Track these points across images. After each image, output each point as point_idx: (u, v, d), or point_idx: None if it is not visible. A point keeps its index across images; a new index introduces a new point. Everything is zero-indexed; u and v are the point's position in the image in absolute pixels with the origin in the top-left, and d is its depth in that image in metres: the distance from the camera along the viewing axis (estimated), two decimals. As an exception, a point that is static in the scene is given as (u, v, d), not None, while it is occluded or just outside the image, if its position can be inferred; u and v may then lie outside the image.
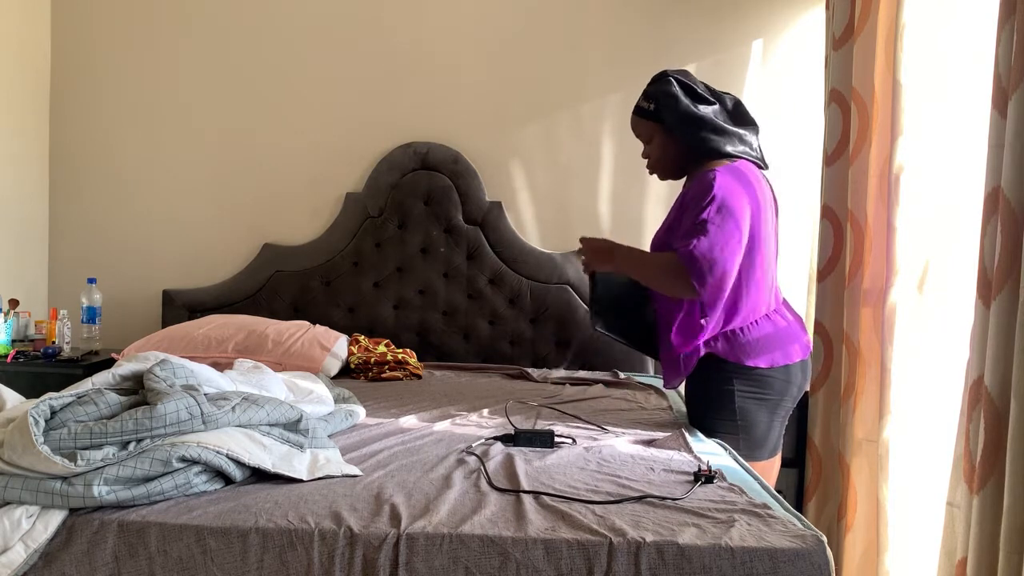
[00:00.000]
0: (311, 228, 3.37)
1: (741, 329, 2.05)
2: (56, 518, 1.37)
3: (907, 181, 2.29)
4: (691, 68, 3.23)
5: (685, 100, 2.07)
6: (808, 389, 2.26)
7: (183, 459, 1.44)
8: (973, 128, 2.09)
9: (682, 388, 2.34)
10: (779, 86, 3.21)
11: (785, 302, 2.20)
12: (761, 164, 2.15)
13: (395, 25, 3.33)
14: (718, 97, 2.13)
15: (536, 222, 3.34)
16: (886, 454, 2.30)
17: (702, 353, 2.08)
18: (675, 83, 2.09)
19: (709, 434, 2.07)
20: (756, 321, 2.07)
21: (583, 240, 2.20)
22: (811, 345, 2.17)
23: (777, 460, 2.19)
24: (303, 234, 3.37)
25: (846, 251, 2.52)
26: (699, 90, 2.10)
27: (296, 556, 1.32)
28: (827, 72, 2.82)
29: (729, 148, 2.07)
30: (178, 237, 3.41)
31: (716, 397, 2.09)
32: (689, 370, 2.11)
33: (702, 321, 2.03)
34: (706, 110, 2.07)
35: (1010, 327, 1.66)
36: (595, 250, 2.17)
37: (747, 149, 2.11)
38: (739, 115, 2.13)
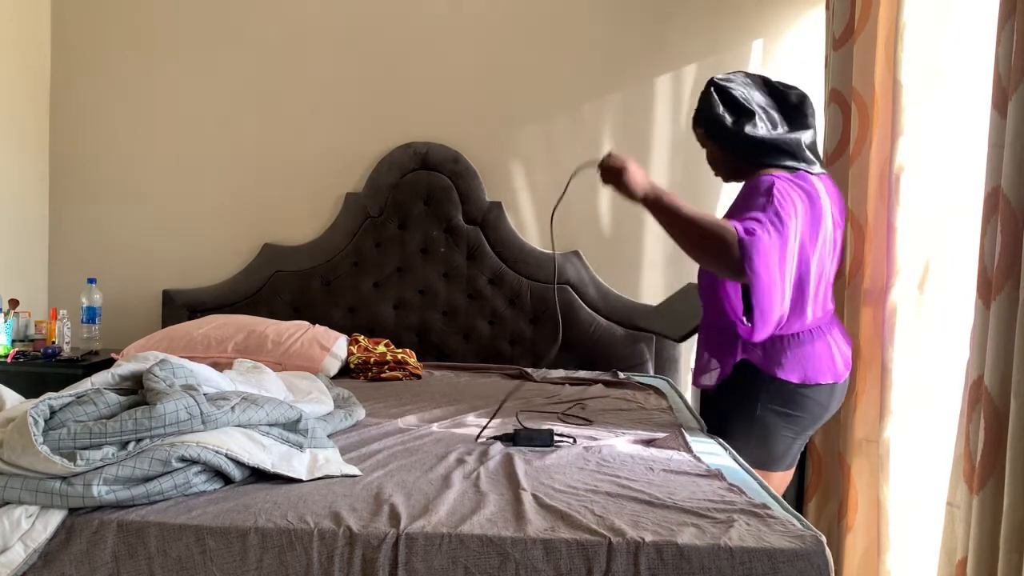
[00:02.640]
0: (311, 228, 3.37)
1: (780, 339, 2.00)
2: (55, 518, 1.37)
3: (907, 181, 2.28)
4: (691, 68, 3.24)
5: (721, 112, 1.99)
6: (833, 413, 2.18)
7: (182, 459, 1.44)
8: (973, 128, 2.09)
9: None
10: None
11: (835, 320, 2.13)
12: (811, 170, 2.01)
13: (395, 25, 3.33)
14: (778, 95, 2.04)
15: (536, 222, 3.34)
16: (886, 454, 2.29)
17: (738, 358, 2.03)
18: (715, 93, 2.01)
19: (722, 436, 2.06)
20: (797, 335, 2.01)
21: (609, 157, 1.93)
22: (847, 372, 2.08)
23: (788, 475, 2.16)
24: (303, 234, 3.37)
25: (847, 251, 2.52)
26: (739, 97, 1.99)
27: (295, 556, 1.32)
28: (827, 72, 2.82)
29: (768, 160, 1.98)
30: (178, 237, 3.41)
31: (740, 404, 2.05)
32: (727, 374, 2.06)
33: (746, 324, 1.94)
34: (745, 122, 1.98)
35: (1010, 327, 1.66)
36: (620, 171, 1.87)
37: (793, 162, 1.99)
38: (794, 115, 2.03)
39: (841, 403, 2.16)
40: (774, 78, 2.10)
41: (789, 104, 2.04)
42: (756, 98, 2.01)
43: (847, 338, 2.14)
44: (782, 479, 2.15)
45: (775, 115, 2.03)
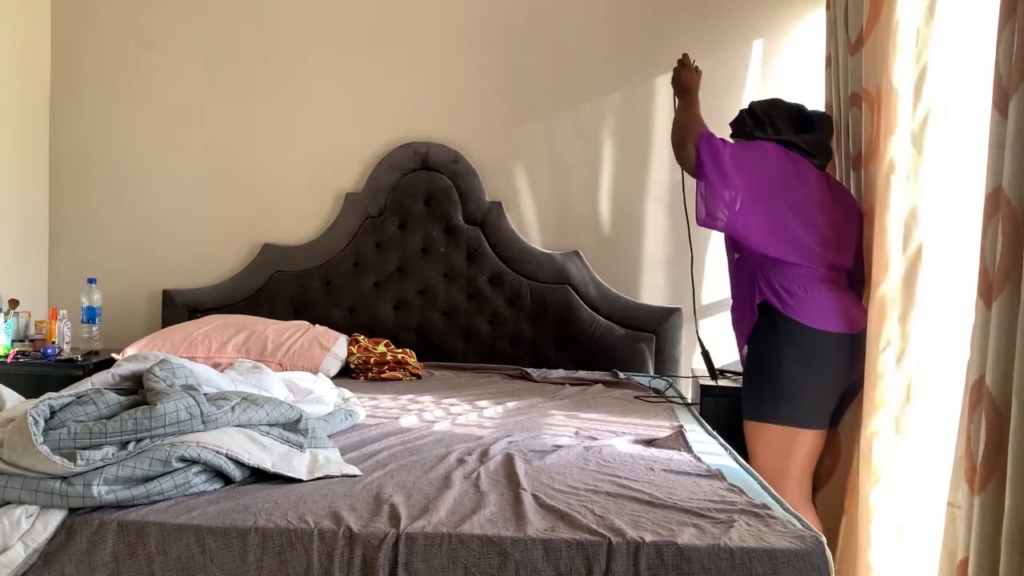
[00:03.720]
0: (311, 228, 3.37)
1: (791, 286, 2.29)
2: (55, 518, 1.37)
3: (897, 180, 2.28)
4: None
5: (744, 121, 2.50)
6: (859, 371, 2.36)
7: (183, 459, 1.44)
8: (972, 128, 2.09)
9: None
10: (779, 87, 3.21)
11: (849, 287, 2.39)
12: (815, 162, 2.44)
13: (395, 25, 3.33)
14: (800, 119, 2.47)
15: (536, 222, 3.34)
16: (869, 450, 2.29)
17: (758, 300, 2.34)
18: (745, 110, 2.52)
19: (754, 397, 2.33)
20: (805, 286, 2.29)
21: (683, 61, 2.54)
22: (860, 327, 2.30)
23: (814, 436, 2.31)
24: (303, 234, 3.37)
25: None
26: (758, 112, 2.47)
27: (295, 556, 1.32)
28: (829, 73, 2.81)
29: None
30: (178, 237, 3.41)
31: (766, 359, 2.32)
32: (753, 317, 2.36)
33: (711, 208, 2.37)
34: (756, 128, 2.47)
35: (1011, 327, 1.65)
36: (681, 78, 2.52)
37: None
38: (804, 127, 2.47)
39: (862, 363, 2.31)
40: (809, 108, 2.55)
41: (809, 123, 2.48)
42: (773, 115, 2.47)
43: (860, 307, 2.37)
44: (812, 440, 2.31)
45: (784, 127, 2.46)
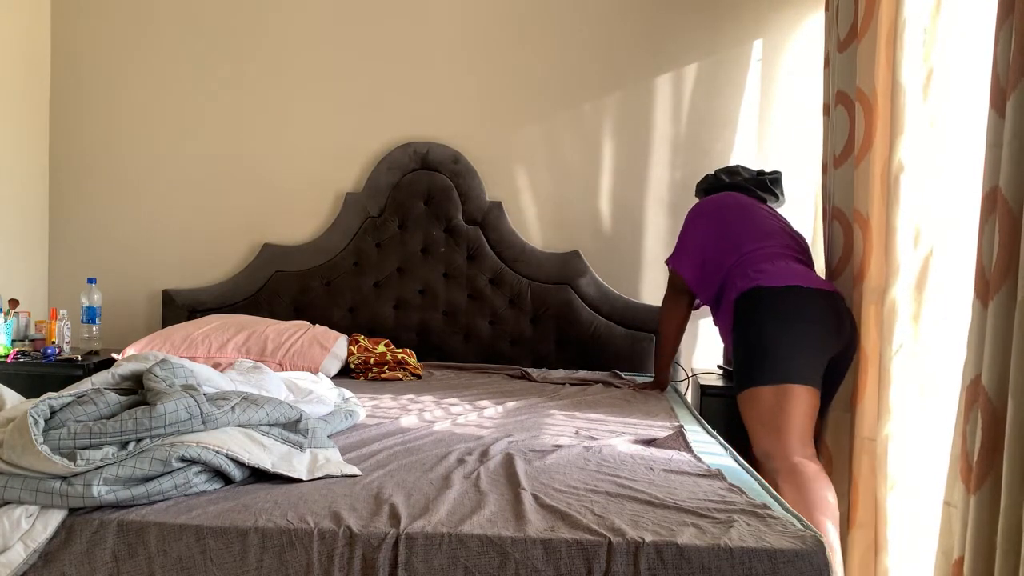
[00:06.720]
0: (311, 228, 3.37)
1: (747, 266, 2.45)
2: (55, 518, 1.37)
3: (906, 181, 2.28)
4: (691, 68, 3.25)
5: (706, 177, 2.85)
6: (845, 343, 2.43)
7: (183, 459, 1.44)
8: (974, 128, 2.10)
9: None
10: (779, 87, 3.21)
11: (805, 262, 2.53)
12: (742, 189, 2.72)
13: (395, 25, 3.33)
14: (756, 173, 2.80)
15: (536, 222, 3.34)
16: (884, 453, 2.30)
17: (732, 297, 2.45)
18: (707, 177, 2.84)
19: (740, 373, 2.37)
20: (761, 264, 2.42)
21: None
22: (813, 287, 2.38)
23: (806, 392, 2.29)
24: (303, 234, 3.37)
25: (855, 252, 2.52)
26: (719, 171, 2.80)
27: (295, 556, 1.32)
28: (827, 73, 2.81)
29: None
30: (178, 237, 3.42)
31: (740, 332, 2.42)
32: (726, 321, 2.52)
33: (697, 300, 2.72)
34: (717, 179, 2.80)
35: (1008, 326, 1.66)
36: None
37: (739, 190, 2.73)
38: (735, 173, 2.79)
39: (848, 333, 2.41)
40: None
41: (764, 175, 2.80)
42: (732, 170, 2.79)
43: (821, 281, 2.45)
44: (806, 397, 2.29)
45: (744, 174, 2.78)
